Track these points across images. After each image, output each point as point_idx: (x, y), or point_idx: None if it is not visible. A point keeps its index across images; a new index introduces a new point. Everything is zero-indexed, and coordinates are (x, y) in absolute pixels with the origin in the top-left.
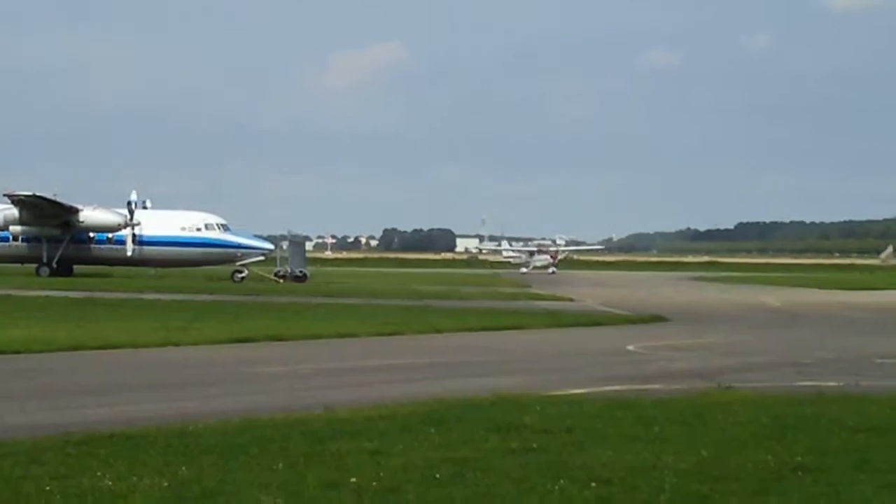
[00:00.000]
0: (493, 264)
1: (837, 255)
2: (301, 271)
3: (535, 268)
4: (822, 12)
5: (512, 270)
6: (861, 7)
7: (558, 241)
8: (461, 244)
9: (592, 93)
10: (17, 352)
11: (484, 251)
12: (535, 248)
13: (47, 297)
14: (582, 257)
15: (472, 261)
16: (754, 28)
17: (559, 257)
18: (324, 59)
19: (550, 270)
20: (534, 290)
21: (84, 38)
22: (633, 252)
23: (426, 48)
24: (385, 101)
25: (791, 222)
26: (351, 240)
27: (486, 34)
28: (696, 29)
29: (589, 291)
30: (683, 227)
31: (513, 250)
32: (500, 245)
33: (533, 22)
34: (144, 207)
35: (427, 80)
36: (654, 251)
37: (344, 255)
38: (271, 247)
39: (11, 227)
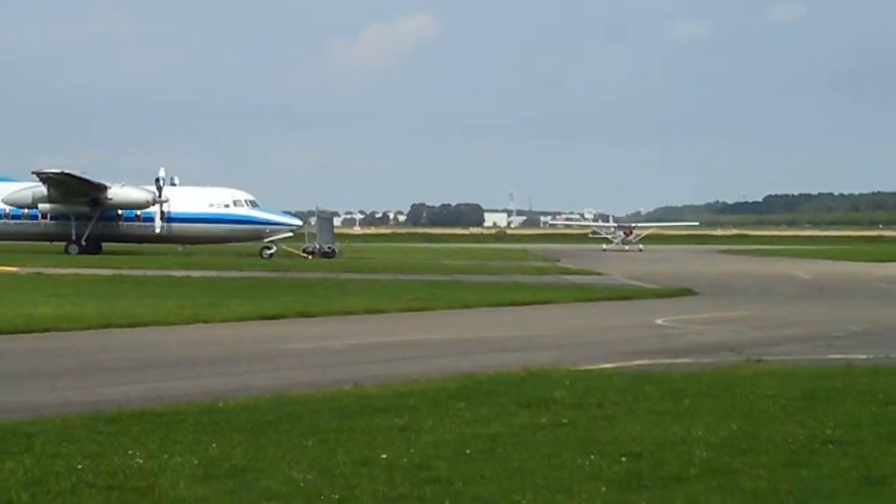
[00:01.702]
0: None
1: (881, 226)
2: (329, 247)
3: (622, 242)
4: None
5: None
6: None
7: (586, 215)
8: (489, 219)
9: (620, 66)
10: (47, 329)
11: (559, 225)
12: (616, 224)
13: (76, 274)
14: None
15: (500, 235)
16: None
17: (642, 233)
18: (353, 33)
19: (639, 248)
20: (562, 265)
21: (113, 16)
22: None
23: (456, 22)
24: (413, 76)
25: (819, 194)
26: (379, 215)
27: (515, 7)
28: (723, 1)
29: (618, 265)
30: (712, 199)
31: (601, 225)
32: (585, 219)
33: None
34: (173, 184)
35: (455, 55)
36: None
37: (372, 230)
38: (299, 223)
39: (40, 205)
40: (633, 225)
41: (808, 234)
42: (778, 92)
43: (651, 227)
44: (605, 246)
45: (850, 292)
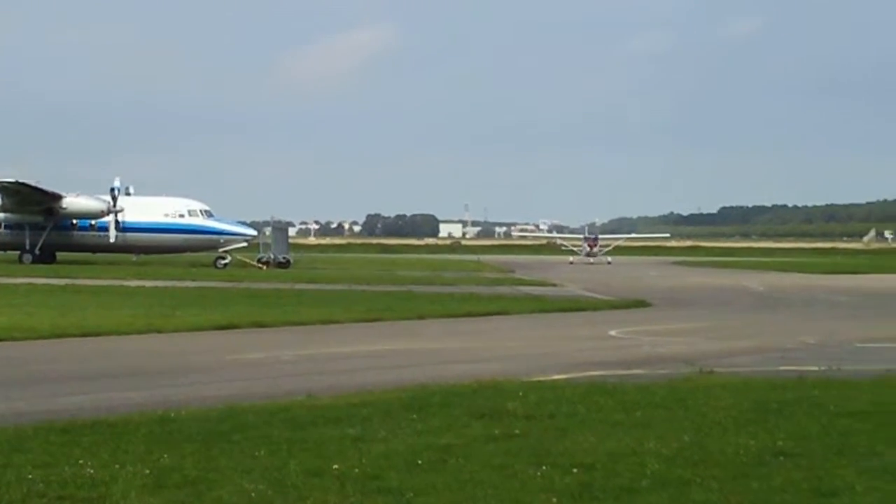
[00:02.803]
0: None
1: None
2: (284, 257)
3: (587, 255)
4: None
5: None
6: None
7: (541, 226)
8: (444, 229)
9: (577, 78)
10: (0, 339)
11: (527, 237)
12: (584, 236)
13: (30, 284)
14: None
15: (455, 246)
16: (743, 11)
17: (610, 245)
18: (310, 44)
19: (607, 260)
20: (517, 276)
21: (66, 26)
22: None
23: (412, 34)
24: (369, 86)
25: (774, 206)
26: (334, 225)
27: (473, 20)
28: (686, 13)
29: (572, 276)
30: (666, 211)
31: (568, 237)
32: (548, 231)
33: (519, 9)
34: (128, 194)
35: (410, 66)
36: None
37: (327, 240)
38: (254, 233)
39: None
40: (598, 237)
41: (762, 245)
42: (733, 105)
43: (619, 238)
44: (571, 259)
45: (803, 304)
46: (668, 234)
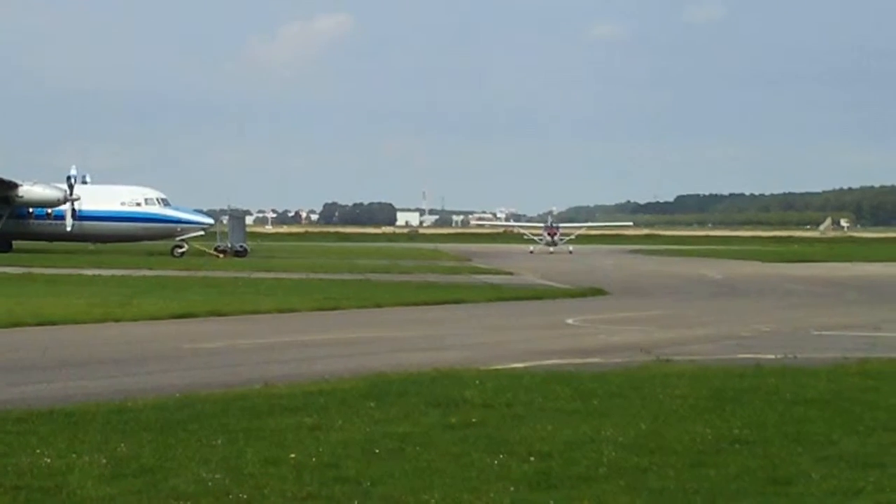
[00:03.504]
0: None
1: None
2: (241, 246)
3: (547, 244)
4: None
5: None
6: None
7: (499, 215)
8: (402, 218)
9: (534, 65)
10: None
11: (485, 225)
12: (545, 225)
13: None
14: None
15: (412, 234)
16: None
17: (572, 233)
18: (267, 31)
19: (569, 250)
20: (474, 264)
21: (18, 11)
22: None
23: (370, 21)
24: (326, 74)
25: (731, 195)
26: (291, 214)
27: (430, 9)
28: (640, 3)
29: (530, 265)
30: (623, 200)
31: (527, 225)
32: (505, 219)
33: None
34: (84, 182)
35: (368, 54)
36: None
37: (284, 229)
38: (211, 221)
39: None
40: (559, 225)
41: (720, 234)
42: (690, 93)
43: (581, 226)
44: (531, 248)
45: (759, 292)
46: (630, 223)
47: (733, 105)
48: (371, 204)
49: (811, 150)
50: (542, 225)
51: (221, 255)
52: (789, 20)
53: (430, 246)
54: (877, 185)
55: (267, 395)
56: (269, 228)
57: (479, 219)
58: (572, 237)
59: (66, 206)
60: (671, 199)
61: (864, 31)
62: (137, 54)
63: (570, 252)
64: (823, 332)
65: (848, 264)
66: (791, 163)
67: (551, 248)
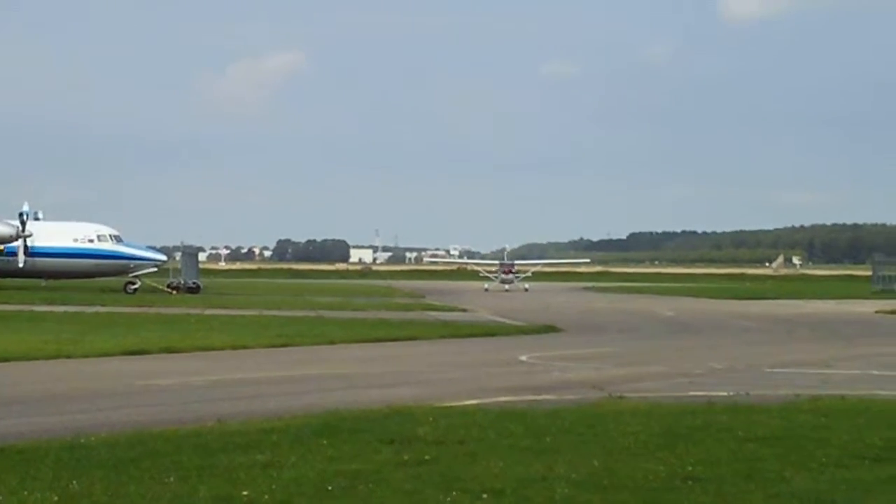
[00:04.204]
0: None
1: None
2: (194, 282)
3: (502, 282)
4: (718, 22)
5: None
6: (757, 17)
7: (452, 252)
8: (355, 255)
9: (486, 103)
10: None
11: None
12: (500, 262)
13: None
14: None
15: (365, 271)
16: (650, 36)
17: (527, 271)
18: (220, 68)
19: (524, 287)
20: (428, 301)
21: None
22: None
23: (323, 59)
24: (280, 112)
25: (683, 232)
26: (245, 251)
27: (381, 48)
28: (591, 38)
29: (482, 302)
30: (576, 237)
31: (481, 262)
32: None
33: (427, 35)
34: (37, 219)
35: (322, 91)
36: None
37: (238, 265)
38: (164, 258)
39: None
40: (514, 263)
41: (672, 271)
42: (643, 130)
43: (537, 264)
44: (486, 285)
45: (712, 330)
46: (587, 259)
47: (686, 143)
48: (324, 241)
49: (763, 188)
50: (496, 262)
51: (174, 292)
52: (741, 60)
53: (384, 283)
54: (829, 223)
55: (220, 433)
56: (222, 265)
57: (433, 256)
58: (528, 274)
59: (19, 243)
60: (624, 237)
61: (818, 73)
62: (89, 91)
63: (526, 290)
64: (775, 370)
65: (800, 301)
66: (743, 201)
67: (506, 286)
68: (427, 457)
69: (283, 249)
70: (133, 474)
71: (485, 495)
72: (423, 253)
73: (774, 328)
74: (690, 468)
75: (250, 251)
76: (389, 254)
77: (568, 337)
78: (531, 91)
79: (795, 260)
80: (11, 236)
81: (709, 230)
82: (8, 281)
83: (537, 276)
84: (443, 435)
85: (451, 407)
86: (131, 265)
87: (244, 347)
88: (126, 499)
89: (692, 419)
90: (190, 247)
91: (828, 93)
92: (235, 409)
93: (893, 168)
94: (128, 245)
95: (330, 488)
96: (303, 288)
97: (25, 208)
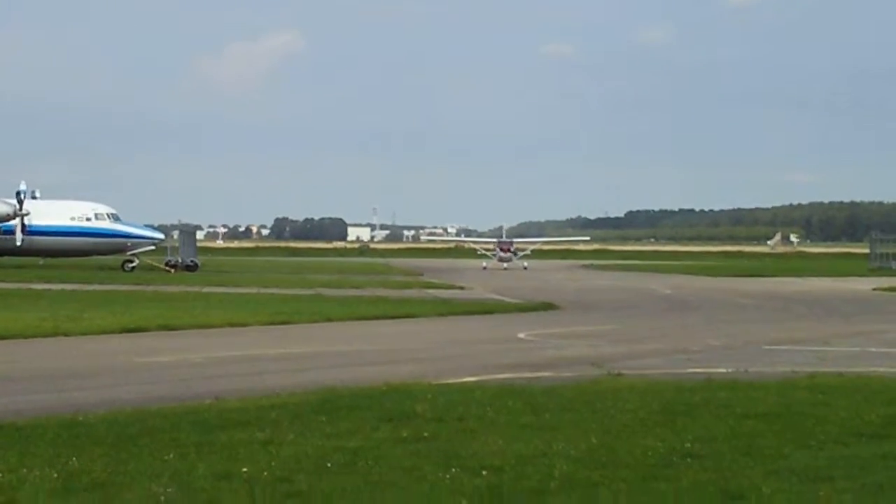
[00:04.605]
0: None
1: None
2: (192, 261)
3: (500, 260)
4: (717, 4)
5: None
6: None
7: (449, 230)
8: (353, 233)
9: (483, 83)
10: None
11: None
12: (498, 240)
13: None
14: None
15: (363, 249)
16: (647, 21)
17: (526, 248)
18: (219, 48)
19: (523, 265)
20: (425, 279)
21: None
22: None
23: (321, 38)
24: (278, 91)
25: (680, 210)
26: (242, 229)
27: (379, 26)
28: (588, 21)
29: (480, 279)
30: (574, 215)
31: (480, 241)
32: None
33: (426, 14)
34: (34, 197)
35: (319, 71)
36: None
37: (235, 244)
38: (162, 236)
39: None
40: (512, 240)
41: (669, 249)
42: (640, 109)
43: (537, 241)
44: (484, 263)
45: (709, 307)
46: (587, 237)
47: (683, 121)
48: (322, 219)
49: (760, 165)
50: (494, 240)
51: (172, 270)
52: (736, 41)
53: (382, 261)
54: (826, 200)
55: (218, 410)
56: (220, 243)
57: (430, 234)
58: (527, 252)
59: (16, 221)
60: (621, 215)
61: (812, 51)
62: (87, 71)
63: (525, 268)
64: (773, 347)
65: (797, 279)
66: (740, 179)
67: (504, 264)
68: (426, 434)
69: (281, 228)
70: (132, 451)
71: (484, 472)
72: (421, 231)
73: (772, 305)
74: (689, 445)
75: (248, 229)
76: (387, 232)
77: (566, 314)
78: (530, 71)
79: (793, 237)
80: (9, 215)
81: (706, 208)
82: (6, 259)
83: (535, 254)
84: (441, 412)
85: (449, 384)
86: (129, 243)
87: (242, 325)
88: (125, 476)
89: (691, 396)
90: (187, 225)
91: (825, 73)
92: (234, 386)
93: (890, 146)
94: (125, 223)
95: (329, 465)
96: (301, 266)
97: (23, 187)
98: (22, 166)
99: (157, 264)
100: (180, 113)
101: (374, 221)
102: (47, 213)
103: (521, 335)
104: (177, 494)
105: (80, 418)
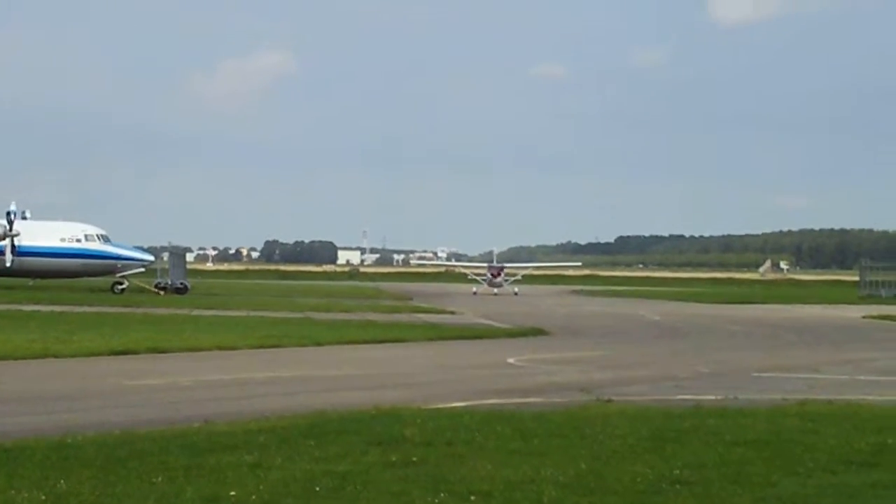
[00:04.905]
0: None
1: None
2: (182, 283)
3: (490, 285)
4: (709, 25)
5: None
6: (747, 21)
7: (440, 254)
8: (342, 256)
9: (474, 103)
10: None
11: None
12: (488, 265)
13: None
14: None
15: (353, 273)
16: (639, 39)
17: (517, 274)
18: (208, 67)
19: (514, 291)
20: (415, 303)
21: None
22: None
23: (313, 59)
24: (268, 111)
25: (670, 236)
26: (232, 251)
27: (369, 48)
28: (581, 39)
29: (470, 304)
30: (564, 240)
31: (469, 265)
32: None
33: (415, 35)
34: (24, 218)
35: (310, 91)
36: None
37: (225, 266)
38: (152, 258)
39: None
40: (503, 266)
41: (659, 275)
42: (631, 134)
43: (528, 267)
44: (474, 289)
45: (699, 333)
46: (580, 263)
47: (674, 147)
48: (312, 242)
49: (751, 192)
50: (485, 265)
51: (162, 292)
52: (730, 64)
53: (371, 285)
54: (816, 227)
55: (207, 433)
56: (209, 266)
57: (420, 258)
58: (518, 277)
59: (6, 242)
60: (612, 240)
61: (807, 78)
62: (76, 91)
63: (516, 294)
64: (763, 374)
65: (787, 306)
66: (731, 205)
67: (495, 290)
68: (415, 458)
69: (271, 250)
70: (120, 474)
71: (472, 497)
72: (411, 255)
73: (762, 332)
74: (678, 471)
75: (238, 252)
76: (377, 255)
77: (556, 340)
78: (520, 92)
79: (783, 265)
80: None
81: (696, 234)
82: None
83: (525, 280)
84: (430, 436)
85: (438, 409)
86: (119, 265)
87: (231, 348)
88: (113, 498)
89: (680, 423)
90: (177, 247)
91: (817, 97)
92: (223, 409)
93: (881, 173)
94: (115, 245)
95: (317, 489)
96: (290, 289)
97: (12, 207)
98: (12, 186)
99: (146, 286)
100: (171, 133)
101: (364, 245)
102: (37, 233)
103: (511, 360)
104: None
105: (69, 440)
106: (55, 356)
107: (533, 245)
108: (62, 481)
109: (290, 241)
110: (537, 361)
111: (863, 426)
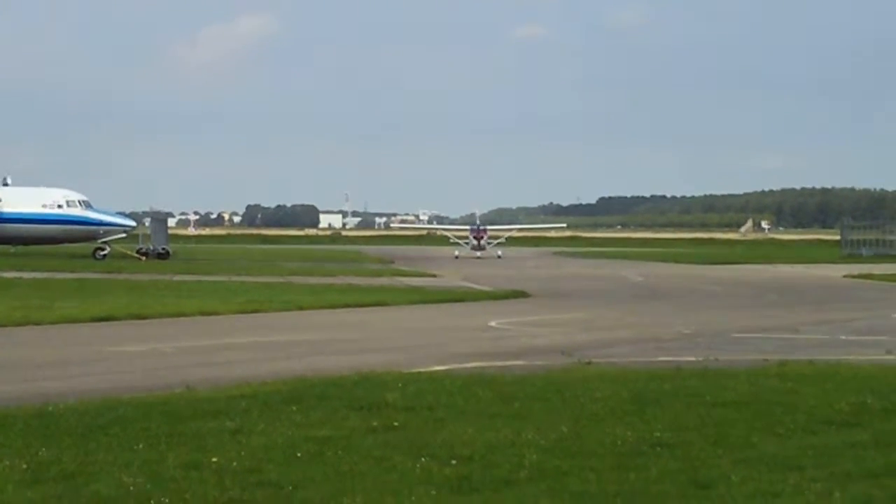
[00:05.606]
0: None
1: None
2: (164, 248)
3: (473, 248)
4: None
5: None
6: None
7: (421, 217)
8: (325, 220)
9: (457, 67)
10: None
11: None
12: (471, 227)
13: None
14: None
15: (335, 237)
16: (620, 2)
17: (501, 236)
18: (190, 34)
19: (497, 254)
20: (397, 267)
21: None
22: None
23: (294, 23)
24: (249, 77)
25: (652, 196)
26: (214, 216)
27: (352, 12)
28: (562, 2)
29: (452, 267)
30: (546, 202)
31: (451, 228)
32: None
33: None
34: (5, 184)
35: (290, 56)
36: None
37: (207, 231)
38: (133, 224)
39: None
40: (486, 228)
41: (641, 236)
42: (612, 95)
43: (511, 229)
44: (456, 252)
45: (680, 294)
46: (564, 224)
47: (656, 108)
48: (294, 206)
49: (732, 152)
50: (467, 227)
51: (143, 258)
52: (710, 23)
53: (354, 248)
54: (797, 187)
55: (188, 399)
56: (191, 230)
57: (402, 221)
58: (502, 240)
59: None
60: (593, 202)
61: (785, 33)
62: (57, 56)
63: (499, 256)
64: (743, 335)
65: (768, 266)
66: (712, 165)
67: (478, 252)
68: (396, 423)
69: (253, 215)
70: (102, 441)
71: (454, 461)
72: (393, 218)
73: (742, 293)
74: (659, 433)
75: (220, 217)
76: (359, 219)
77: (537, 303)
78: (502, 55)
79: (764, 224)
80: None
81: (678, 195)
82: None
83: (507, 242)
84: (412, 401)
85: (419, 373)
86: (100, 231)
87: (213, 313)
88: (95, 466)
89: (660, 384)
90: (159, 212)
91: (798, 57)
92: (204, 375)
93: (862, 132)
94: (97, 211)
95: (299, 455)
96: (272, 253)
97: None
98: None
99: (128, 252)
100: (152, 99)
101: (346, 208)
102: (18, 200)
103: (493, 323)
104: (146, 484)
105: (50, 408)
106: (37, 323)
107: (514, 207)
108: (43, 449)
109: (272, 205)
110: (519, 324)
111: (843, 386)
